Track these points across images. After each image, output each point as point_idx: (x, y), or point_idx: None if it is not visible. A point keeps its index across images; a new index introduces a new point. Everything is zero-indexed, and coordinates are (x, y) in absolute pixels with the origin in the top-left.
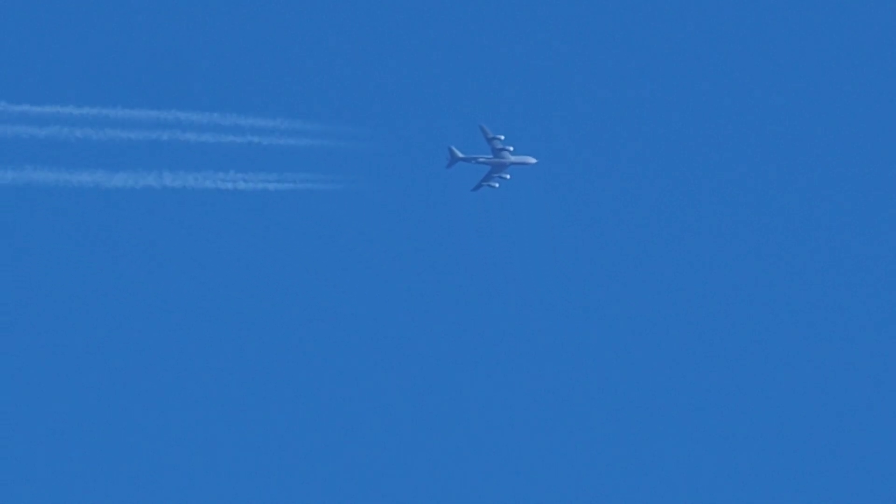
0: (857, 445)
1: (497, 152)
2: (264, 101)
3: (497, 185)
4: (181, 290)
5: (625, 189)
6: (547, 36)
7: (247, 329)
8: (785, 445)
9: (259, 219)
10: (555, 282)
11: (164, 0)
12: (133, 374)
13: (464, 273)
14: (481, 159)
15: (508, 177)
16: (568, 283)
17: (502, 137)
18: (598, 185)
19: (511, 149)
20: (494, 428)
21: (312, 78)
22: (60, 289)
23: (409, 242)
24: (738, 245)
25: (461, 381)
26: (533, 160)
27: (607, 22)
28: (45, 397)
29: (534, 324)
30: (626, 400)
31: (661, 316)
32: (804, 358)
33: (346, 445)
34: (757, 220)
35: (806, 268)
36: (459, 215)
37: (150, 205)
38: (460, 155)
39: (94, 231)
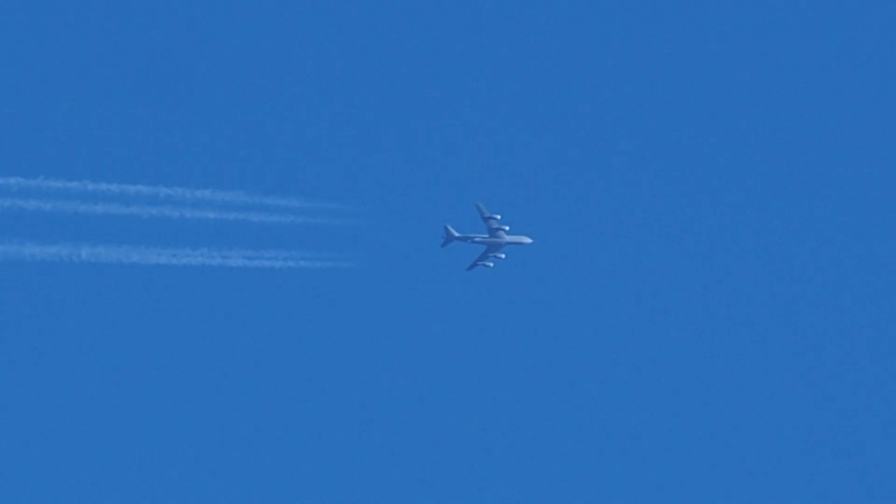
0: (858, 446)
1: (493, 231)
2: (258, 177)
3: (492, 264)
4: (169, 365)
5: (619, 274)
6: (543, 116)
7: (233, 406)
8: (785, 446)
9: (250, 296)
10: (549, 362)
11: (148, 71)
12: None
13: (457, 352)
14: (477, 239)
15: (503, 256)
16: (562, 363)
17: (498, 217)
18: (593, 267)
19: (507, 228)
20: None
21: (307, 154)
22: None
23: (403, 321)
24: (737, 314)
25: (452, 456)
26: (528, 240)
27: (606, 102)
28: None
29: (528, 403)
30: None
31: (658, 397)
32: (806, 360)
33: None
34: (753, 268)
35: (813, 279)
36: (454, 294)
37: (134, 280)
38: (456, 234)
39: (78, 305)
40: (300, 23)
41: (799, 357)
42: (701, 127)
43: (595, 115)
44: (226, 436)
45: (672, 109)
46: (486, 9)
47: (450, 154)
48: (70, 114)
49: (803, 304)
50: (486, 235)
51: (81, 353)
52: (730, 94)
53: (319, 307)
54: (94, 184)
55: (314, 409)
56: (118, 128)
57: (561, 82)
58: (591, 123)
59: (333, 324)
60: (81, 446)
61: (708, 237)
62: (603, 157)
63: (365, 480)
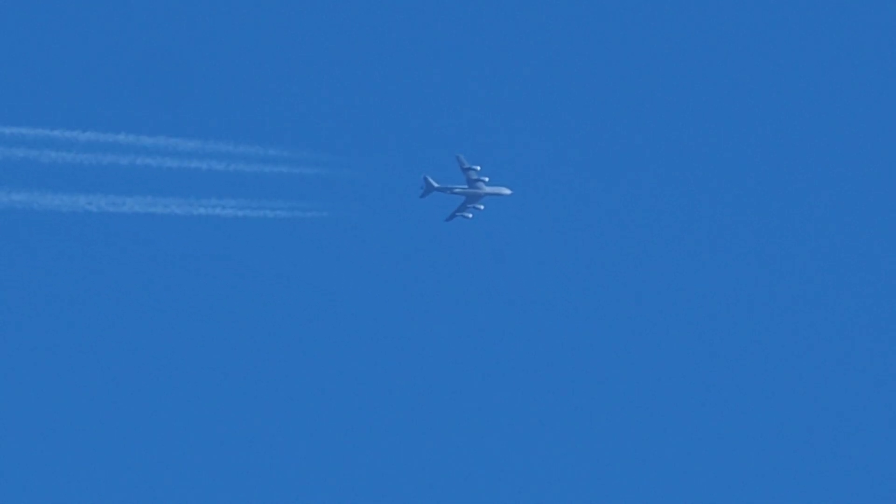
0: (857, 446)
1: (472, 183)
2: (238, 127)
3: (471, 215)
4: (161, 314)
5: (597, 222)
6: (525, 65)
7: (222, 357)
8: (784, 447)
9: (229, 245)
10: (526, 315)
11: (148, 24)
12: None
13: (435, 304)
14: (456, 189)
15: (482, 207)
16: (540, 314)
17: (478, 168)
18: (572, 217)
19: (486, 179)
20: (475, 463)
21: (287, 105)
22: (57, 308)
23: (382, 271)
24: (716, 273)
25: (436, 411)
26: (508, 191)
27: (586, 50)
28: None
29: (506, 355)
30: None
31: (640, 347)
32: (801, 359)
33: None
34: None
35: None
36: (432, 245)
37: (132, 228)
38: (435, 185)
39: (80, 253)
40: None
41: (793, 354)
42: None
43: (579, 73)
44: (204, 392)
45: (657, 62)
46: None
47: (431, 105)
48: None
49: (794, 299)
50: (466, 186)
51: (69, 304)
52: (729, 92)
53: (299, 257)
54: (81, 132)
55: (291, 365)
56: (105, 72)
57: (553, 37)
58: (577, 79)
59: (312, 274)
60: (65, 413)
61: (687, 194)
62: (584, 112)
63: (343, 447)
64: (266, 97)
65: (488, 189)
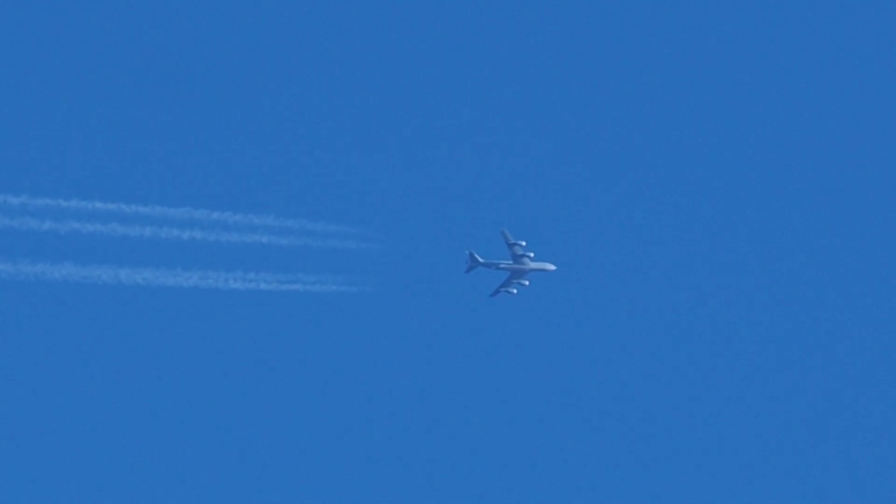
0: (858, 446)
1: (517, 258)
2: (286, 201)
3: (515, 291)
4: (189, 388)
5: (639, 302)
6: (572, 147)
7: (250, 430)
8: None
9: (276, 319)
10: (571, 389)
11: (168, 97)
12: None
13: (478, 377)
14: (502, 265)
15: (527, 283)
16: (584, 391)
17: (524, 243)
18: (617, 294)
19: (532, 255)
20: None
21: (332, 176)
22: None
23: (425, 346)
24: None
25: (471, 481)
26: (552, 267)
27: (638, 134)
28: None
29: (547, 429)
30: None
31: (678, 432)
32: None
33: None
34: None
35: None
36: (476, 320)
37: (166, 303)
38: (480, 260)
39: (106, 327)
40: (323, 42)
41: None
42: (732, 152)
43: (624, 147)
44: (241, 460)
45: (709, 141)
46: (518, 37)
47: (476, 180)
48: (79, 131)
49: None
50: (511, 262)
51: (103, 373)
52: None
53: (342, 332)
54: (113, 204)
55: (332, 434)
56: (136, 146)
57: (592, 113)
58: (620, 155)
59: (356, 348)
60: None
61: (734, 262)
62: (631, 188)
63: None
64: (306, 170)
65: (533, 265)
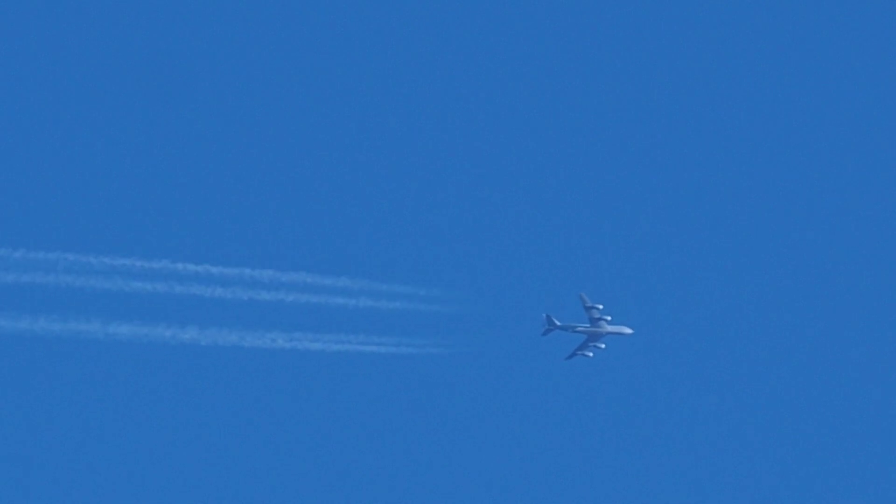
0: (857, 446)
1: (594, 321)
2: (362, 263)
3: (591, 354)
4: (259, 448)
5: (711, 368)
6: (645, 207)
7: (332, 490)
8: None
9: (351, 381)
10: (646, 453)
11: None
12: None
13: (553, 440)
14: (579, 328)
15: (604, 346)
16: (660, 454)
17: (601, 307)
18: (692, 359)
19: (608, 318)
20: None
21: (411, 240)
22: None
23: (501, 408)
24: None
25: None
26: (629, 330)
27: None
28: None
29: (621, 492)
30: None
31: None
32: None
33: None
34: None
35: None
36: (552, 383)
37: (236, 363)
38: (558, 323)
39: (169, 384)
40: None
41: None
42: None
43: (699, 210)
44: None
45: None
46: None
47: (554, 243)
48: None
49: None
50: (588, 325)
51: (164, 436)
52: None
53: (419, 394)
54: (194, 265)
55: (410, 494)
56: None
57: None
58: (698, 214)
59: (433, 410)
60: None
61: (800, 326)
62: (710, 250)
63: None
64: (385, 234)
65: (610, 328)
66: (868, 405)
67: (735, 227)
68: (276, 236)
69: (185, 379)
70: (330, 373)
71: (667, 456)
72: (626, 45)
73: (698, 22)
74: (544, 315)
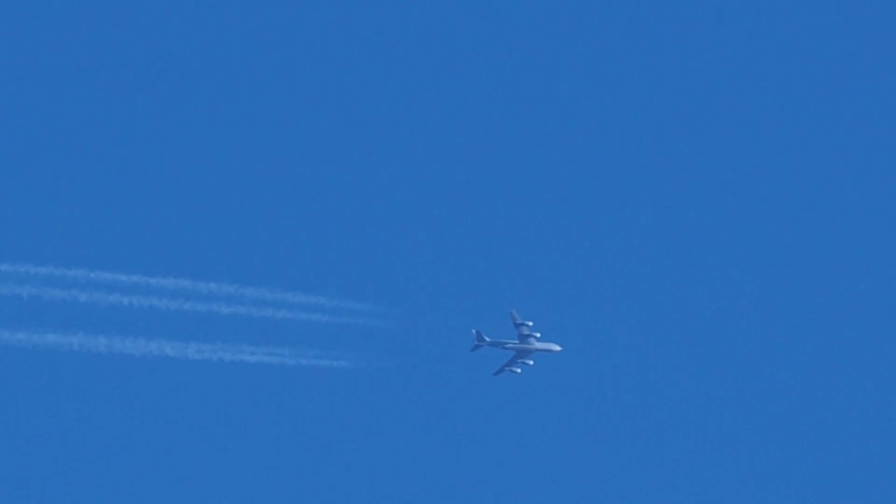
0: (858, 446)
1: (523, 338)
2: (287, 275)
3: (519, 370)
4: (197, 463)
5: (643, 382)
6: (578, 220)
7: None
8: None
9: (273, 394)
10: (571, 471)
11: (180, 176)
12: None
13: (479, 453)
14: (508, 345)
15: (532, 363)
16: (581, 469)
17: (530, 324)
18: (621, 377)
19: (538, 335)
20: None
21: (336, 252)
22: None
23: (427, 423)
24: None
25: None
26: (557, 347)
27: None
28: None
29: None
30: None
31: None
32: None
33: None
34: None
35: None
36: (479, 399)
37: (167, 373)
38: (487, 339)
39: (104, 396)
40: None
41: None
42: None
43: (632, 230)
44: None
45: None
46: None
47: (483, 258)
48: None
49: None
50: (517, 341)
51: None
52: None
53: (347, 407)
54: (125, 275)
55: None
56: (137, 214)
57: (606, 195)
58: (631, 237)
59: (360, 424)
60: None
61: (737, 342)
62: (641, 274)
63: None
64: (310, 245)
65: (539, 345)
66: (838, 416)
67: (663, 246)
68: (208, 247)
69: (97, 386)
70: (257, 385)
71: (590, 472)
72: (589, 51)
73: (692, 22)
74: (474, 331)
